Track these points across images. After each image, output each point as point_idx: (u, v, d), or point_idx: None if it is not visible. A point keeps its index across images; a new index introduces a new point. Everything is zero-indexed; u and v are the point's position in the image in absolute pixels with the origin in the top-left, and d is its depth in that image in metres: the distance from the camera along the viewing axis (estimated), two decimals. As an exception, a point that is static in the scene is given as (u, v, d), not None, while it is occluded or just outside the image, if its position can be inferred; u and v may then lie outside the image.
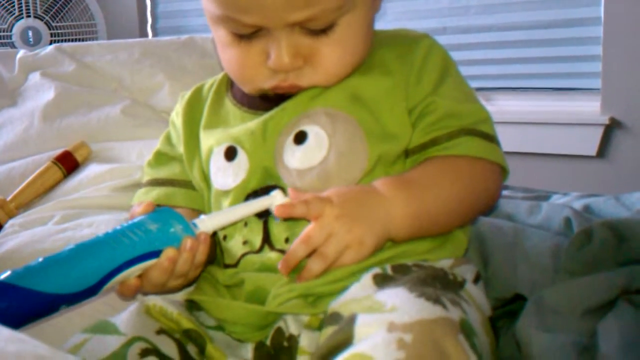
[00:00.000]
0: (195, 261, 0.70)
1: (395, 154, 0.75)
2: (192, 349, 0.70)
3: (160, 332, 0.69)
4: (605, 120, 1.79)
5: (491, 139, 0.76)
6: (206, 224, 0.71)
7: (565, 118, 1.89)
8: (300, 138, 0.74)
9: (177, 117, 0.87)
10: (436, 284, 0.62)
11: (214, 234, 0.76)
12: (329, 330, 0.59)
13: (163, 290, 0.72)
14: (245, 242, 0.73)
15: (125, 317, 0.70)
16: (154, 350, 0.67)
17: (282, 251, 0.71)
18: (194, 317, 0.73)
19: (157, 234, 0.67)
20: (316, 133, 0.73)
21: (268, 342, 0.70)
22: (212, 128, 0.82)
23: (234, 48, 0.74)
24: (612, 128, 1.79)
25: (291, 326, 0.68)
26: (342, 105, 0.75)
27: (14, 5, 2.29)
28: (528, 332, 0.71)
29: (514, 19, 1.98)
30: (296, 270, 0.69)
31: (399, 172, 0.75)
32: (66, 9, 2.36)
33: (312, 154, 0.73)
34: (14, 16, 2.30)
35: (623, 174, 1.74)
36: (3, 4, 2.29)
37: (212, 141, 0.80)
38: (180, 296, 0.76)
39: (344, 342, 0.54)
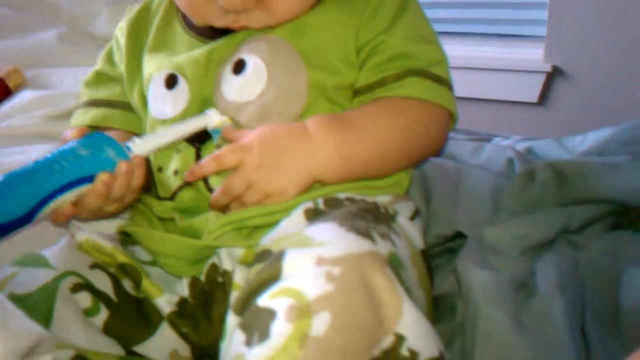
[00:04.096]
0: (131, 185, 0.69)
1: (338, 89, 0.72)
2: (127, 284, 0.69)
3: (93, 266, 0.68)
4: (547, 67, 1.81)
5: (442, 82, 0.73)
6: (140, 147, 0.70)
7: (509, 64, 1.90)
8: (239, 67, 0.71)
9: (120, 34, 0.83)
10: (367, 217, 0.62)
11: (149, 160, 0.74)
12: (258, 267, 0.58)
13: (99, 215, 0.71)
14: (176, 172, 0.72)
15: (57, 251, 0.68)
16: (87, 285, 0.65)
17: (212, 190, 0.69)
18: (128, 251, 0.72)
19: (89, 159, 0.66)
20: (255, 63, 0.71)
21: (202, 278, 0.69)
22: (156, 51, 0.78)
23: None
24: (554, 76, 1.81)
25: (225, 261, 0.67)
26: (285, 34, 0.72)
27: None
28: (468, 269, 0.71)
29: None
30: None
31: (338, 107, 0.73)
32: None
33: (249, 86, 0.71)
34: None
35: (563, 121, 1.77)
36: None
37: (153, 66, 0.77)
38: (114, 228, 0.75)
39: (272, 277, 0.53)
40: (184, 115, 0.73)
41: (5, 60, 1.16)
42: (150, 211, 0.74)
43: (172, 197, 0.72)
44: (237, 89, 0.71)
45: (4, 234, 0.63)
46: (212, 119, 0.70)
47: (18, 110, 1.03)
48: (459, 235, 0.81)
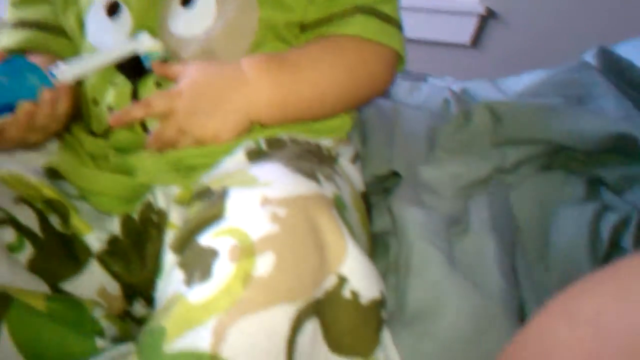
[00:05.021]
0: (56, 114, 0.65)
1: (287, 26, 0.70)
2: (54, 220, 0.65)
3: (18, 200, 0.64)
4: (481, 10, 1.81)
5: (391, 20, 0.71)
6: (65, 73, 0.65)
7: (442, 6, 1.89)
8: (187, 0, 0.68)
9: None
10: (312, 159, 0.61)
11: (80, 84, 0.70)
12: (198, 206, 0.56)
13: (21, 145, 0.67)
14: (110, 108, 0.68)
15: None
16: (11, 220, 0.61)
17: (148, 130, 0.67)
18: (56, 186, 0.68)
19: (10, 86, 0.61)
20: None
21: (136, 216, 0.67)
22: None
23: None
24: (487, 18, 1.82)
25: (160, 200, 0.65)
26: None
27: None
28: (402, 207, 0.71)
29: None
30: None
31: (287, 44, 0.70)
32: None
33: (197, 20, 0.67)
34: None
35: (495, 64, 1.79)
36: None
37: None
38: (40, 163, 0.70)
39: (215, 216, 0.51)
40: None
41: None
42: (81, 146, 0.70)
43: (105, 134, 0.69)
44: (183, 23, 0.67)
45: None
46: (143, 44, 0.66)
47: None
48: (394, 174, 0.81)
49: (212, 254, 0.48)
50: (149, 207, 0.66)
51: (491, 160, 0.77)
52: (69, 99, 0.66)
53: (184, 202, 0.63)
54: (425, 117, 0.89)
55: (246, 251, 0.47)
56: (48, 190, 0.66)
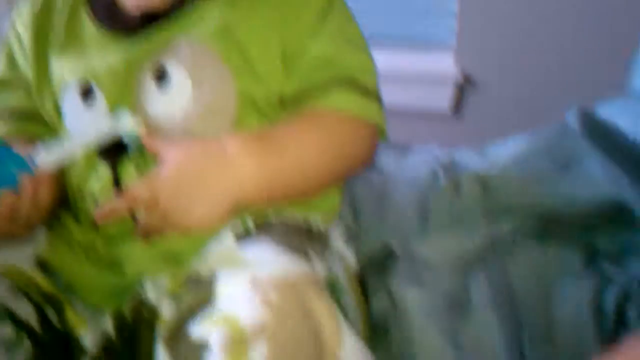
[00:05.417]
0: (39, 203, 0.63)
1: (266, 100, 0.69)
2: (52, 315, 0.64)
3: (16, 291, 0.62)
4: (459, 77, 1.84)
5: (370, 93, 0.71)
6: (46, 159, 0.63)
7: (420, 74, 1.92)
8: (160, 76, 0.66)
9: (22, 26, 0.75)
10: (302, 236, 0.59)
11: (64, 172, 0.69)
12: (188, 293, 0.55)
13: (6, 236, 0.65)
14: (96, 199, 0.67)
15: None
16: (9, 315, 0.60)
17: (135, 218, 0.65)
18: (50, 277, 0.66)
19: None
20: (178, 74, 0.66)
21: (127, 312, 0.64)
22: (65, 51, 0.71)
23: None
24: (465, 85, 1.84)
25: (150, 293, 0.63)
26: (208, 38, 0.67)
27: None
28: (399, 286, 0.70)
29: None
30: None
31: (267, 120, 0.69)
32: None
33: (173, 101, 0.66)
34: None
35: (477, 130, 1.80)
36: None
37: (66, 71, 0.70)
38: (31, 253, 0.69)
39: (205, 301, 0.50)
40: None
41: None
42: (71, 235, 0.69)
43: (94, 224, 0.67)
44: (160, 104, 0.66)
45: None
46: (124, 123, 0.65)
47: None
48: (388, 250, 0.80)
49: (203, 347, 0.46)
50: (140, 302, 0.64)
51: (485, 232, 0.76)
52: (51, 187, 0.65)
53: (175, 292, 0.62)
54: (415, 190, 0.89)
55: (238, 342, 0.45)
56: (43, 282, 0.65)
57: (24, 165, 0.62)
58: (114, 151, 0.67)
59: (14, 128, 0.74)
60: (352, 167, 0.73)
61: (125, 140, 0.66)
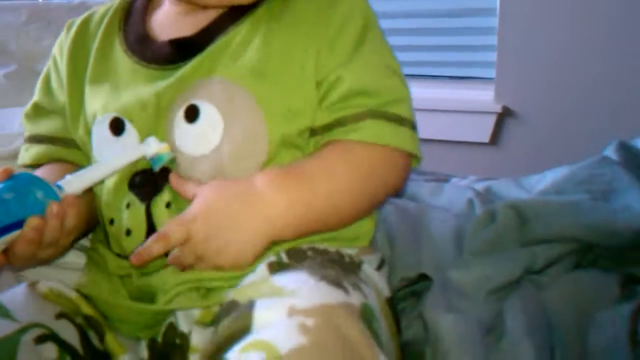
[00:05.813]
0: (65, 227, 0.64)
1: (299, 134, 0.68)
2: (93, 337, 0.65)
3: (60, 316, 0.64)
4: (498, 108, 1.84)
5: (404, 121, 0.69)
6: (72, 184, 0.65)
7: (460, 106, 1.92)
8: (192, 115, 0.66)
9: (60, 56, 0.77)
10: (335, 267, 0.60)
11: (94, 200, 0.71)
12: (225, 321, 0.56)
13: (33, 262, 0.67)
14: (128, 232, 0.67)
15: (19, 301, 0.64)
16: (53, 336, 0.61)
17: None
18: (92, 303, 0.68)
19: (16, 202, 0.61)
20: (209, 113, 0.66)
21: (160, 339, 0.66)
22: (98, 82, 0.72)
23: None
24: (504, 116, 1.84)
25: (182, 323, 0.64)
26: (241, 77, 0.67)
27: None
28: (434, 313, 0.70)
29: (411, 7, 2.00)
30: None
31: (300, 153, 0.69)
32: None
33: (204, 138, 0.66)
34: None
35: (515, 161, 1.80)
36: None
37: (98, 106, 0.71)
38: (72, 284, 0.70)
39: (243, 329, 0.50)
40: (133, 164, 0.68)
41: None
42: (106, 265, 0.70)
43: (127, 257, 0.67)
44: (191, 141, 0.66)
45: None
46: (150, 148, 0.66)
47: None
48: (423, 277, 0.80)
49: None
50: (172, 330, 0.65)
51: (520, 261, 0.76)
52: (76, 212, 0.65)
53: (205, 323, 0.63)
54: (450, 218, 0.89)
55: None
56: (86, 307, 0.66)
57: (49, 191, 0.63)
58: (146, 185, 0.67)
59: (47, 152, 0.76)
60: (383, 196, 0.72)
61: (154, 165, 0.67)
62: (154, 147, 0.66)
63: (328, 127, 0.69)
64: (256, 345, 0.48)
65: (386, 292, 0.69)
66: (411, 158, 0.72)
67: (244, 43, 0.69)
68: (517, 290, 0.73)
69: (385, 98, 0.69)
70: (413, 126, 0.70)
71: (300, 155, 0.69)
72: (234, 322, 0.52)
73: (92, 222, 0.72)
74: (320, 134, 0.69)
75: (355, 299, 0.55)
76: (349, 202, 0.68)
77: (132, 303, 0.67)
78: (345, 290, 0.54)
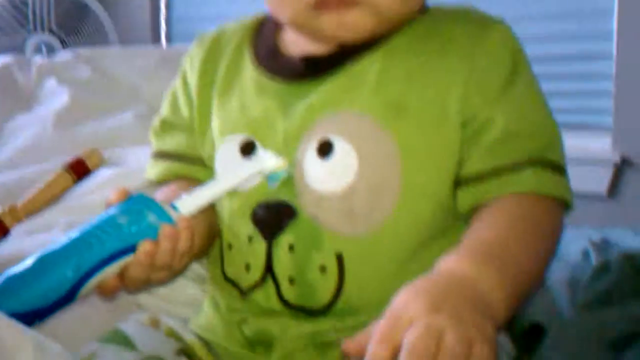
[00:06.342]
0: (178, 250, 0.62)
1: (438, 180, 0.64)
2: None
3: (179, 352, 0.65)
4: (616, 158, 1.78)
5: (560, 170, 0.64)
6: (188, 204, 0.64)
7: (576, 155, 1.87)
8: (325, 150, 0.64)
9: (191, 70, 0.75)
10: None
11: (209, 211, 0.69)
12: None
13: (148, 285, 0.66)
14: (247, 267, 0.66)
15: (141, 333, 0.66)
16: None
17: (287, 303, 0.64)
18: (209, 348, 0.68)
19: (129, 227, 0.61)
20: (344, 150, 0.63)
21: None
22: (227, 96, 0.71)
23: None
24: (623, 167, 1.78)
25: None
26: (381, 114, 0.63)
27: (27, 19, 2.23)
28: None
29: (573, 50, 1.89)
30: (302, 298, 0.64)
31: (438, 204, 0.64)
32: (80, 25, 2.29)
33: (336, 176, 0.63)
34: (27, 30, 2.24)
35: (633, 213, 1.73)
36: (17, 18, 2.23)
37: (225, 121, 0.70)
38: (192, 327, 0.71)
39: None
40: (258, 191, 0.66)
41: (85, 140, 1.21)
42: (223, 305, 0.70)
43: (244, 293, 0.67)
44: (321, 177, 0.64)
45: (44, 317, 0.59)
46: (267, 163, 0.64)
47: (94, 189, 1.06)
48: (535, 329, 0.79)
49: None
50: None
51: (634, 312, 0.73)
52: (190, 234, 0.63)
53: None
54: (564, 268, 0.88)
55: None
56: (200, 350, 0.68)
57: (163, 214, 0.62)
58: (268, 220, 0.65)
59: (172, 169, 0.76)
60: (554, 254, 0.64)
61: (270, 182, 0.65)
62: (270, 163, 0.64)
63: (480, 177, 0.63)
64: None
65: (510, 349, 0.66)
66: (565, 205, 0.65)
67: (382, 76, 0.65)
68: (631, 340, 0.71)
69: (541, 142, 0.64)
70: (566, 172, 0.65)
71: (440, 202, 0.64)
72: None
73: (208, 242, 0.71)
74: (470, 184, 0.63)
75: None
76: (537, 272, 0.62)
77: (248, 353, 0.66)
78: None
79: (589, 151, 1.85)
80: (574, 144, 1.88)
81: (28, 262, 0.59)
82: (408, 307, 0.50)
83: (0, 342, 0.45)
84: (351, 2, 0.62)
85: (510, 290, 0.55)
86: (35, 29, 2.24)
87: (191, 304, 0.81)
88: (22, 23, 2.23)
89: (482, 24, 0.66)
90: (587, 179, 1.82)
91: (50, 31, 2.25)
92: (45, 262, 0.59)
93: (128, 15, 2.58)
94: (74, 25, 2.25)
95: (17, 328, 0.50)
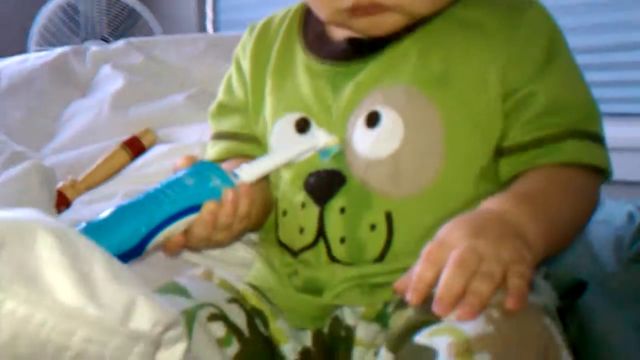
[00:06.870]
0: (238, 213, 0.67)
1: (478, 150, 0.67)
2: (259, 323, 0.69)
3: (231, 300, 0.69)
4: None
5: (599, 139, 0.67)
6: (247, 172, 0.69)
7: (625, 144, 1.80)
8: (373, 120, 0.68)
9: (243, 56, 0.81)
10: None
11: (266, 182, 0.74)
12: (405, 312, 0.57)
13: (209, 244, 0.70)
14: (302, 231, 0.70)
15: (196, 284, 0.70)
16: (223, 317, 0.66)
17: (336, 260, 0.68)
18: (260, 295, 0.72)
19: (195, 188, 0.66)
20: (391, 118, 0.67)
21: (325, 330, 0.69)
22: (280, 79, 0.76)
23: None
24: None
25: (347, 317, 0.67)
26: (425, 85, 0.67)
27: (80, 27, 2.29)
28: (592, 312, 0.70)
29: (591, 42, 1.81)
30: (351, 256, 0.67)
31: (480, 170, 0.67)
32: (129, 29, 2.33)
33: (382, 142, 0.67)
34: (80, 37, 2.30)
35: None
36: (69, 25, 2.29)
37: (280, 102, 0.75)
38: (245, 279, 0.75)
39: (431, 320, 0.52)
40: (310, 162, 0.70)
41: (139, 121, 1.26)
42: (275, 260, 0.74)
43: (295, 254, 0.71)
44: (369, 144, 0.67)
45: None
46: (320, 140, 0.69)
47: (150, 162, 1.11)
48: (580, 284, 0.80)
49: (430, 352, 0.49)
50: (338, 322, 0.68)
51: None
52: (249, 199, 0.68)
53: (370, 318, 0.66)
54: (609, 230, 0.88)
55: (463, 349, 0.48)
56: (253, 299, 0.71)
57: (226, 179, 0.67)
58: (320, 187, 0.70)
59: (230, 148, 0.81)
60: (589, 216, 0.68)
61: (323, 157, 0.70)
62: (322, 140, 0.69)
63: (523, 147, 0.66)
64: (444, 330, 0.50)
65: (555, 301, 0.68)
66: (604, 173, 0.69)
67: (424, 53, 0.69)
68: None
69: (581, 114, 0.67)
70: (604, 142, 0.68)
71: (481, 167, 0.67)
72: (421, 313, 0.53)
73: (264, 212, 0.75)
74: (514, 153, 0.67)
75: (539, 299, 0.55)
76: (572, 223, 0.66)
77: (301, 295, 0.70)
78: (531, 288, 0.54)
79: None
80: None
81: (106, 213, 0.63)
82: (452, 234, 0.55)
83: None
84: (384, 7, 0.66)
85: (546, 226, 0.59)
86: (87, 36, 2.30)
87: (242, 264, 0.84)
88: (75, 31, 2.29)
89: (519, 3, 0.69)
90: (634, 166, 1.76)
91: (102, 38, 2.30)
92: (121, 215, 0.63)
93: (175, 19, 2.63)
94: (124, 31, 2.29)
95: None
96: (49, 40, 2.21)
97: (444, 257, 0.53)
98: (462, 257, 0.52)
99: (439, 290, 0.51)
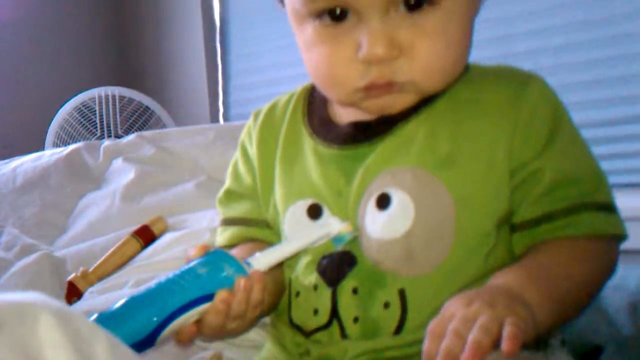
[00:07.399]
0: (251, 301, 0.67)
1: (488, 226, 0.67)
2: None
3: None
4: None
5: (610, 208, 0.68)
6: (260, 261, 0.69)
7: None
8: (384, 202, 0.69)
9: (249, 142, 0.82)
10: (530, 348, 0.60)
11: (282, 273, 0.75)
12: None
13: (222, 334, 0.70)
14: (316, 312, 0.70)
15: None
16: None
17: (349, 338, 0.68)
18: None
19: (208, 277, 0.66)
20: (401, 199, 0.68)
21: None
22: (289, 165, 0.77)
23: (322, 45, 0.68)
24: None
25: None
26: (432, 167, 0.68)
27: (96, 126, 2.32)
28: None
29: (603, 116, 1.82)
30: (365, 335, 0.67)
31: (492, 244, 0.67)
32: (144, 127, 2.34)
33: (395, 223, 0.68)
34: (95, 137, 2.34)
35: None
36: (85, 125, 2.32)
37: (290, 189, 0.75)
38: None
39: None
40: (325, 246, 0.70)
41: (151, 210, 1.29)
42: (285, 340, 0.74)
43: (308, 335, 0.71)
44: (381, 226, 0.68)
45: None
46: (333, 227, 0.70)
47: (160, 250, 1.12)
48: (597, 350, 0.78)
49: None
50: None
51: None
52: (262, 287, 0.68)
53: None
54: (623, 296, 0.87)
55: None
56: None
57: (238, 267, 0.67)
58: (331, 269, 0.70)
59: (240, 233, 0.81)
60: (607, 281, 0.70)
61: (337, 244, 0.70)
62: (336, 227, 0.69)
63: (536, 222, 0.67)
64: None
65: None
66: (620, 238, 0.70)
67: (430, 134, 0.70)
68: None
69: (590, 186, 0.68)
70: (616, 209, 0.69)
71: (492, 242, 0.68)
72: None
73: (277, 298, 0.76)
74: (525, 229, 0.68)
75: None
76: (585, 297, 0.67)
77: None
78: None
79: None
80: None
81: (118, 303, 0.63)
82: (449, 308, 0.57)
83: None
84: (398, 85, 0.67)
85: (551, 293, 0.61)
86: (102, 135, 2.33)
87: (252, 346, 0.83)
88: (91, 130, 2.32)
89: (520, 80, 0.70)
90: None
91: (117, 136, 2.32)
92: (133, 305, 0.63)
93: (189, 116, 2.68)
94: (138, 129, 2.32)
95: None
96: (65, 140, 2.26)
97: (444, 330, 0.55)
98: (459, 323, 0.54)
99: (439, 357, 0.53)
